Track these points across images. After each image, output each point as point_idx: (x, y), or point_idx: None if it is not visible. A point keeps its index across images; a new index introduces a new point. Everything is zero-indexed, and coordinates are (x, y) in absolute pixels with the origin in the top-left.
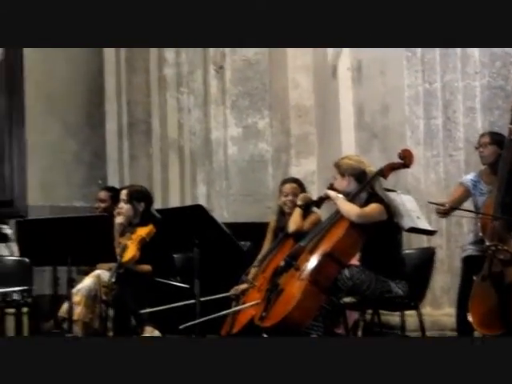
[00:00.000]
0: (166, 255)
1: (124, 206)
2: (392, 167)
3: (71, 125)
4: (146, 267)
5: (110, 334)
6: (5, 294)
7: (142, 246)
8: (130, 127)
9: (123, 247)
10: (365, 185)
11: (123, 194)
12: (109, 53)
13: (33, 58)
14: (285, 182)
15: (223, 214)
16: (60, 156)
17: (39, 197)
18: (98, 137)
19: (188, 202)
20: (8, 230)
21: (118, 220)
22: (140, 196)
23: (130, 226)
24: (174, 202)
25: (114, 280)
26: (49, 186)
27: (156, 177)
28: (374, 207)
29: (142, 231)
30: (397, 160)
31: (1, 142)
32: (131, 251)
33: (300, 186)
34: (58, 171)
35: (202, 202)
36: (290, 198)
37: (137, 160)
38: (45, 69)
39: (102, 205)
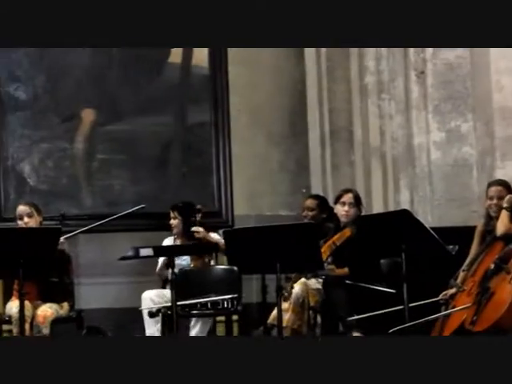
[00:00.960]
0: (371, 260)
1: (351, 210)
2: None
3: (275, 135)
4: (343, 270)
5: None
6: (215, 302)
7: (333, 250)
8: (332, 135)
9: None
10: None
11: (348, 197)
12: (310, 63)
13: (237, 72)
14: (490, 184)
15: (427, 218)
16: (265, 166)
17: (245, 207)
18: (301, 146)
19: (391, 209)
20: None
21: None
22: (360, 200)
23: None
24: (378, 208)
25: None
26: (254, 196)
27: (359, 184)
28: None
29: (335, 237)
30: None
31: (208, 154)
32: None
33: (507, 188)
34: (263, 181)
35: (405, 207)
36: (494, 201)
37: (339, 168)
38: (249, 82)
39: (310, 213)
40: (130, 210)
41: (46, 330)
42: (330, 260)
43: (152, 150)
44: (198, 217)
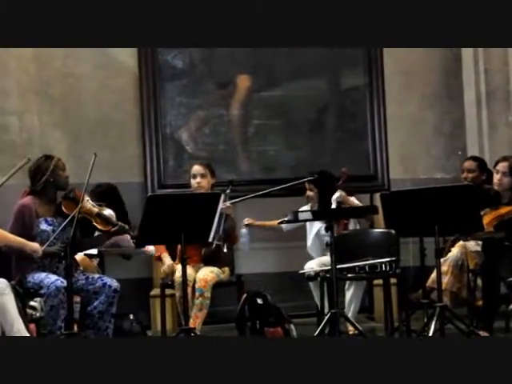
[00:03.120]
0: None
1: (503, 179)
2: None
3: (429, 96)
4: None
5: (479, 303)
6: (373, 265)
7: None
8: (489, 95)
9: None
10: None
11: (503, 166)
12: None
13: None
14: None
15: None
16: (419, 128)
17: (400, 170)
18: (457, 107)
19: None
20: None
21: None
22: None
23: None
24: None
25: None
26: (409, 159)
27: None
28: None
29: (504, 210)
30: None
31: (362, 117)
32: None
33: None
34: (418, 144)
35: None
36: None
37: (496, 128)
38: None
39: (470, 175)
40: (303, 180)
41: (207, 294)
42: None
43: (307, 115)
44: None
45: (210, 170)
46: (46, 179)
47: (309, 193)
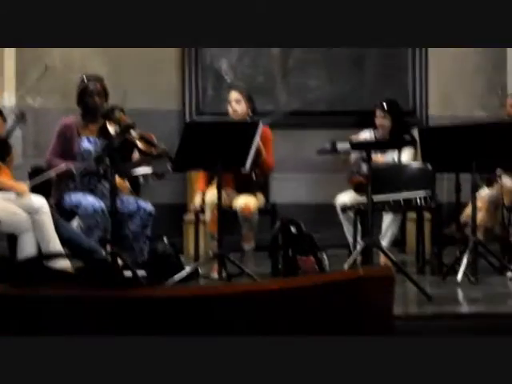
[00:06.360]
0: None
1: None
2: None
3: None
4: None
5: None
6: (408, 199)
7: None
8: None
9: None
10: None
11: None
12: None
13: None
14: None
15: None
16: (460, 66)
17: (439, 107)
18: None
19: None
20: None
21: None
22: None
23: None
24: None
25: None
26: (449, 97)
27: None
28: None
29: None
30: None
31: (403, 53)
32: None
33: None
34: (458, 82)
35: None
36: None
37: None
38: None
39: None
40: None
41: (255, 218)
42: None
43: (347, 49)
44: None
45: (247, 96)
46: (85, 101)
47: (381, 121)
